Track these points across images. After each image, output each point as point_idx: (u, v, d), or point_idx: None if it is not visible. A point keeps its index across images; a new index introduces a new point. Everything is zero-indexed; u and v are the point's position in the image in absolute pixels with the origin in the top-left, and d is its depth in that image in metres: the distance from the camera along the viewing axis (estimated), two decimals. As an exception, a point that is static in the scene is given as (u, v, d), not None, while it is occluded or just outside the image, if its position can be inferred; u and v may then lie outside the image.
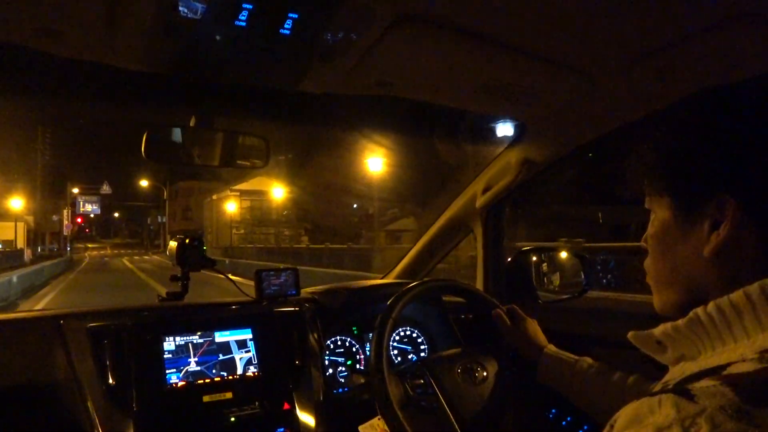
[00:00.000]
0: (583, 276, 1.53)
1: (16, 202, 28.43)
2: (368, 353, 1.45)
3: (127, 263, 29.80)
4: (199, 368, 1.22)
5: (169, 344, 1.21)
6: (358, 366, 1.49)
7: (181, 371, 1.20)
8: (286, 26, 0.88)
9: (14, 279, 13.82)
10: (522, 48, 1.01)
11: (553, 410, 1.28)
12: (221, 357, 1.26)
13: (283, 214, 33.92)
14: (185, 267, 1.36)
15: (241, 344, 1.30)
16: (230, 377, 1.25)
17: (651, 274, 0.64)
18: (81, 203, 37.08)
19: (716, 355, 0.51)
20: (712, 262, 0.55)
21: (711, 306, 0.53)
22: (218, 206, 37.53)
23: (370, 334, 1.20)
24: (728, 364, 0.47)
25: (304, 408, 1.26)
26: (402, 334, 1.58)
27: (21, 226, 28.41)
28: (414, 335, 1.59)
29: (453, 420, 1.12)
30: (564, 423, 1.27)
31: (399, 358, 1.55)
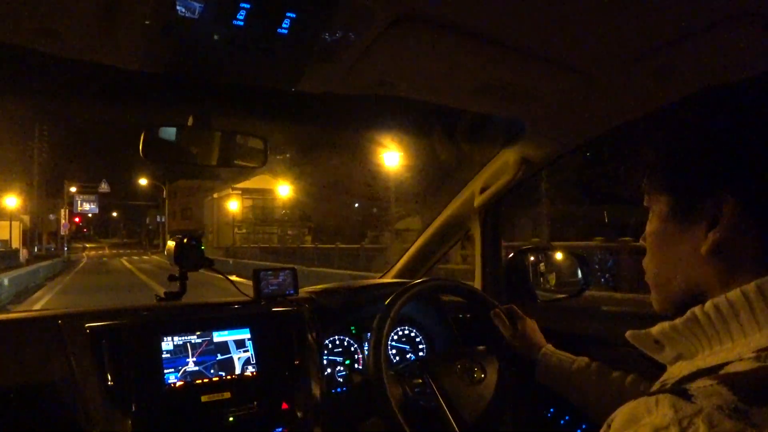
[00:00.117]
0: (580, 275, 1.53)
1: (11, 201, 27.96)
2: (367, 353, 1.45)
3: (126, 263, 29.62)
4: (197, 368, 1.22)
5: (167, 344, 1.21)
6: (356, 366, 1.49)
7: (179, 371, 1.20)
8: (284, 26, 0.87)
9: (5, 281, 12.88)
10: (521, 47, 1.01)
11: (552, 409, 1.29)
12: (219, 357, 1.26)
13: (282, 213, 33.66)
14: (183, 267, 1.36)
15: (240, 344, 1.30)
16: (228, 377, 1.25)
17: (649, 272, 0.64)
18: (79, 202, 36.83)
19: (714, 354, 0.52)
20: (709, 261, 0.55)
21: (708, 305, 0.53)
22: (219, 205, 36.99)
23: (369, 334, 1.20)
24: (725, 364, 0.47)
25: (302, 408, 1.26)
26: (400, 333, 1.58)
27: (16, 225, 27.90)
28: (412, 335, 1.59)
29: (451, 419, 1.12)
30: (562, 422, 1.28)
31: (397, 358, 1.55)
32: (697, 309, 0.54)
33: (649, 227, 0.63)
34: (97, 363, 1.12)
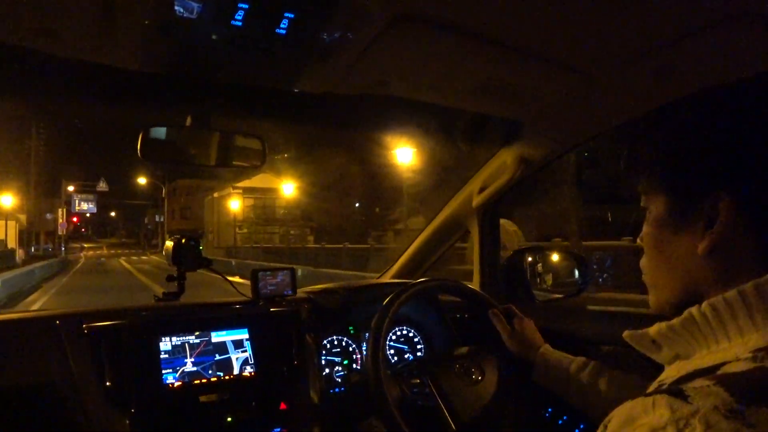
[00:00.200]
0: (578, 275, 1.53)
1: (7, 199, 27.37)
2: (365, 353, 1.45)
3: (125, 264, 29.39)
4: (195, 368, 1.22)
5: (166, 344, 1.21)
6: (354, 366, 1.49)
7: (177, 371, 1.20)
8: (282, 26, 0.87)
9: (-2, 283, 12.23)
10: (519, 46, 1.01)
11: (550, 409, 1.29)
12: (218, 357, 1.26)
13: (282, 213, 33.40)
14: (181, 267, 1.36)
15: (238, 344, 1.29)
16: (227, 377, 1.25)
17: (646, 272, 0.64)
18: (77, 201, 36.56)
19: (711, 354, 0.52)
20: (706, 261, 0.55)
21: (705, 305, 0.53)
22: (220, 204, 36.37)
23: (367, 334, 1.20)
24: (722, 364, 0.47)
25: (300, 408, 1.26)
26: (399, 333, 1.58)
27: (12, 224, 27.43)
28: (411, 335, 1.59)
29: (450, 419, 1.12)
30: (560, 422, 1.28)
31: (396, 358, 1.55)
32: (694, 309, 0.54)
33: (646, 227, 0.63)
34: (95, 363, 1.12)
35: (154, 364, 1.18)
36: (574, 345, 1.24)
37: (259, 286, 1.38)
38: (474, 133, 1.54)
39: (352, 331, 1.51)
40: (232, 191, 34.30)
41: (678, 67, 1.03)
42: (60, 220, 32.56)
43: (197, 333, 1.26)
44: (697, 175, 0.56)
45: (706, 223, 0.55)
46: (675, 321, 0.55)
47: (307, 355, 1.35)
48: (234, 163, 1.35)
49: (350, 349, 1.50)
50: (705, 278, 0.56)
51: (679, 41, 0.94)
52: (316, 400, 1.30)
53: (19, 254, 24.43)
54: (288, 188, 28.56)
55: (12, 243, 26.60)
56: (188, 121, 1.26)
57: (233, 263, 19.73)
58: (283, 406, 1.25)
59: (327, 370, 1.44)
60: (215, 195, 37.33)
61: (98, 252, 50.09)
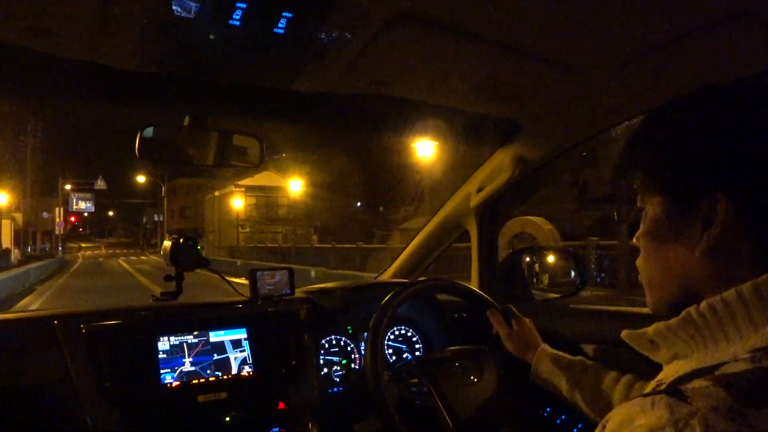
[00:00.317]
0: (575, 275, 1.54)
1: (2, 197, 26.72)
2: (363, 353, 1.45)
3: (124, 264, 29.06)
4: (193, 368, 1.22)
5: (164, 344, 1.21)
6: (353, 365, 1.49)
7: (175, 371, 1.20)
8: (280, 25, 0.87)
9: (-15, 287, 11.04)
10: (517, 46, 1.01)
11: (548, 409, 1.29)
12: (216, 357, 1.26)
13: (285, 212, 32.99)
14: (179, 267, 1.35)
15: (236, 344, 1.29)
16: (225, 377, 1.24)
17: (643, 273, 0.64)
18: (74, 200, 36.14)
19: (709, 354, 0.52)
20: (704, 261, 0.55)
21: (704, 305, 0.53)
22: (222, 203, 35.61)
23: (366, 334, 1.20)
24: (721, 364, 0.47)
25: (299, 408, 1.26)
26: (397, 333, 1.58)
27: (8, 224, 26.82)
28: (409, 334, 1.59)
29: (448, 419, 1.13)
30: (558, 421, 1.28)
31: (394, 358, 1.55)
32: (692, 309, 0.54)
33: (643, 227, 0.63)
34: (93, 363, 1.11)
35: (152, 364, 1.18)
36: (572, 345, 1.24)
37: (258, 285, 1.37)
38: (471, 133, 1.55)
39: (350, 331, 1.51)
40: (234, 189, 33.60)
41: (677, 67, 1.03)
42: (57, 220, 32.34)
43: (195, 333, 1.26)
44: (695, 175, 0.56)
45: (703, 224, 0.55)
46: (673, 321, 0.55)
47: (306, 354, 1.35)
48: (232, 162, 1.35)
49: (349, 348, 1.50)
50: (702, 279, 0.56)
51: (677, 41, 0.94)
52: (314, 400, 1.30)
53: (15, 254, 24.02)
54: (295, 185, 27.72)
55: (7, 243, 26.03)
56: (186, 120, 1.25)
57: (238, 263, 18.47)
58: (281, 405, 1.25)
59: (325, 370, 1.44)
60: (216, 193, 36.68)
61: (96, 252, 49.89)
